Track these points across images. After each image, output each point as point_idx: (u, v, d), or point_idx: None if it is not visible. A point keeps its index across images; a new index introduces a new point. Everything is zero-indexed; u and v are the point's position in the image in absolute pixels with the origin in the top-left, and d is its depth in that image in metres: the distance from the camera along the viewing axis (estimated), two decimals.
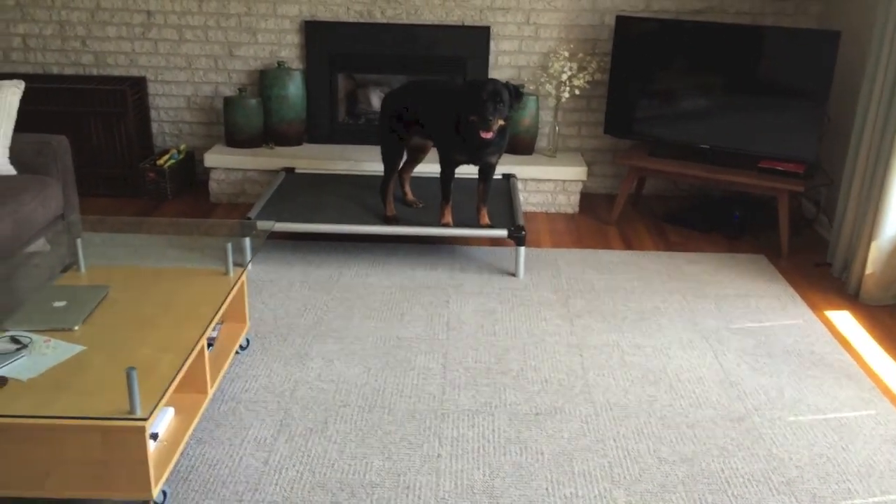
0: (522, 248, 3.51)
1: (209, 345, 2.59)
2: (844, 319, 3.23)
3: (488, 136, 3.23)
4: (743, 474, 2.27)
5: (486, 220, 3.57)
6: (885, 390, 2.72)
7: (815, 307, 3.33)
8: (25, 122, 4.15)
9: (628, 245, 3.97)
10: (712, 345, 2.99)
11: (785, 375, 2.79)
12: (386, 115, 3.60)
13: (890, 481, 2.25)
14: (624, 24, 4.12)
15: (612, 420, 2.51)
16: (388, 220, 3.57)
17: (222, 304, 2.45)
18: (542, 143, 4.61)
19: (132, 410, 1.87)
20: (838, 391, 2.70)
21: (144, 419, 1.86)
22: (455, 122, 3.33)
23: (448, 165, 3.48)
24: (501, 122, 3.27)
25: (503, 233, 3.51)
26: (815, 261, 3.82)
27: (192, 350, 2.17)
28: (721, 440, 2.42)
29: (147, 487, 1.94)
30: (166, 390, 1.96)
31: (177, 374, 2.04)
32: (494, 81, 3.25)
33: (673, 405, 2.60)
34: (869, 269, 3.32)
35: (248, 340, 2.91)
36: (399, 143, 3.59)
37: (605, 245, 3.97)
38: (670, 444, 2.40)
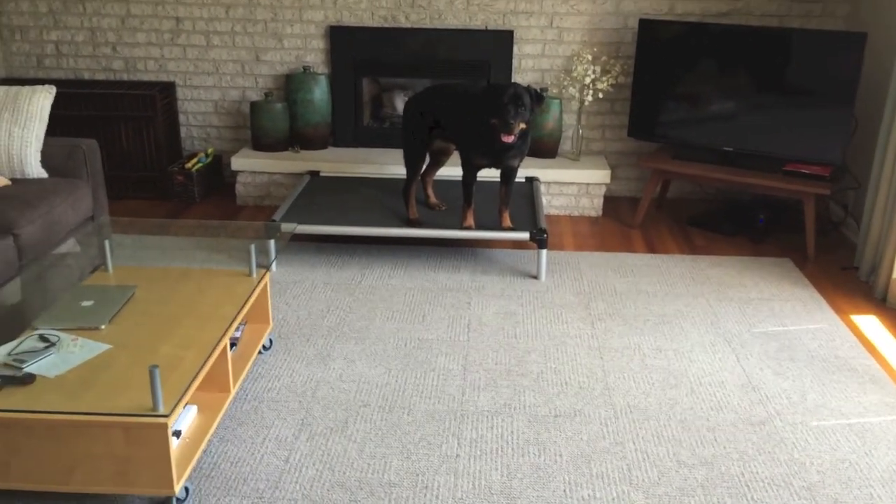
0: (544, 251, 3.51)
1: (232, 345, 2.63)
2: (870, 324, 3.19)
3: (509, 139, 3.24)
4: (763, 478, 2.25)
5: (507, 222, 3.58)
6: None
7: (840, 311, 3.29)
8: (58, 126, 4.26)
9: (652, 248, 3.96)
10: (735, 348, 2.97)
11: (808, 379, 2.76)
12: (409, 118, 3.63)
13: None
14: (647, 27, 4.11)
15: (632, 423, 2.51)
16: (410, 222, 3.60)
17: (244, 304, 2.49)
18: (565, 146, 4.61)
19: (155, 407, 1.91)
20: (862, 396, 2.67)
21: (166, 416, 1.90)
22: (477, 126, 3.35)
23: (470, 169, 3.49)
24: (523, 126, 3.29)
25: (525, 235, 3.52)
26: (841, 264, 3.77)
27: (214, 349, 2.21)
28: (742, 444, 2.40)
29: (169, 483, 1.98)
30: (188, 388, 2.00)
31: (198, 372, 2.08)
32: (516, 85, 3.26)
33: (693, 408, 2.59)
34: None
35: (271, 340, 2.94)
36: (421, 147, 3.62)
37: (629, 248, 3.96)
38: (690, 447, 2.39)
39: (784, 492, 2.20)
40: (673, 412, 2.57)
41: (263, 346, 2.89)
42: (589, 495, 2.17)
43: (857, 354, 2.93)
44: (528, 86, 3.32)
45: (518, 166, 3.53)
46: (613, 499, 2.16)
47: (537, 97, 3.31)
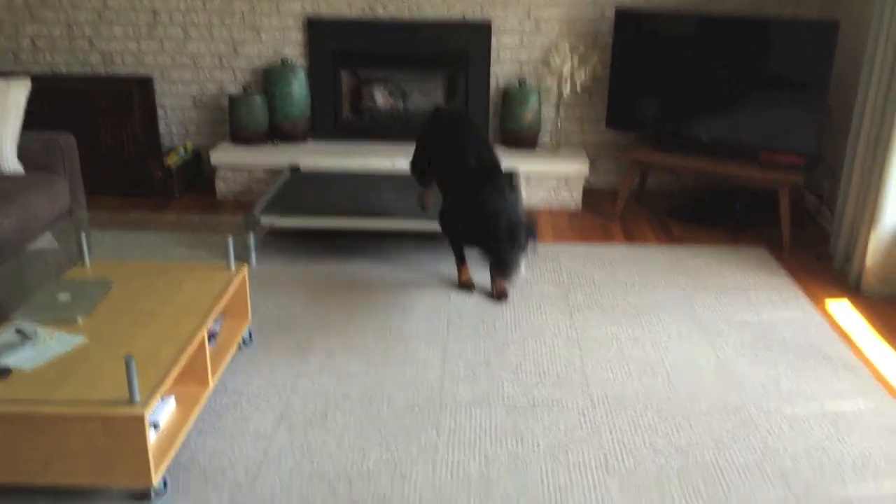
0: None
1: (211, 338, 2.63)
2: (845, 311, 3.23)
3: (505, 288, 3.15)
4: (737, 465, 2.28)
5: (502, 284, 3.30)
6: (884, 382, 2.73)
7: (815, 300, 3.33)
8: (35, 122, 4.22)
9: (630, 240, 3.99)
10: (711, 338, 3.00)
11: (782, 367, 2.80)
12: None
13: (884, 471, 2.26)
14: (624, 18, 4.13)
15: (609, 412, 2.53)
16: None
17: (222, 297, 2.49)
18: (544, 138, 4.63)
19: (131, 398, 1.91)
20: (836, 383, 2.71)
21: (142, 406, 1.90)
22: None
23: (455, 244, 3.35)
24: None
25: None
26: (816, 253, 3.82)
27: (191, 341, 2.21)
28: (717, 432, 2.43)
29: (147, 475, 1.98)
30: (164, 379, 2.00)
31: (174, 363, 2.08)
32: (509, 214, 2.93)
33: (670, 397, 2.62)
34: (869, 261, 3.32)
35: (251, 335, 2.94)
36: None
37: (608, 240, 3.98)
38: (666, 435, 2.42)
39: (758, 478, 2.23)
40: (649, 401, 2.59)
41: (243, 341, 2.88)
42: (566, 483, 2.20)
43: (831, 342, 2.98)
44: (520, 219, 2.97)
45: None
46: (589, 486, 2.18)
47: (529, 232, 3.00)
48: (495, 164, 3.21)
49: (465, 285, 3.38)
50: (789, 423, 2.48)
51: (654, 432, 2.43)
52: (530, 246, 2.98)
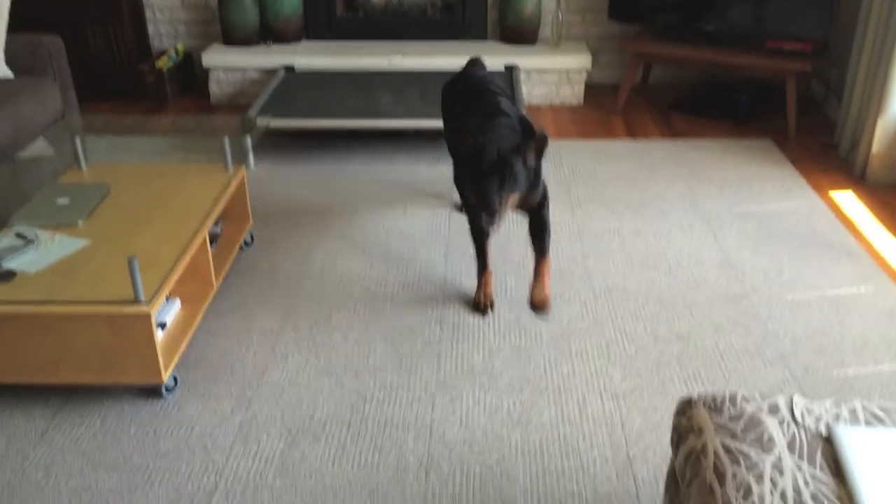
0: None
1: (213, 240, 2.63)
2: (849, 200, 3.21)
3: (494, 220, 2.14)
4: (737, 349, 2.31)
5: (544, 291, 2.40)
6: (885, 266, 2.73)
7: (819, 189, 3.31)
8: (19, 27, 4.09)
9: (633, 134, 3.93)
10: (713, 228, 2.99)
11: (785, 256, 2.80)
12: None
13: (883, 353, 2.29)
14: None
15: (611, 303, 2.55)
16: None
17: (221, 198, 2.48)
18: (545, 31, 4.50)
19: (136, 297, 1.92)
20: (837, 269, 2.72)
21: (148, 304, 1.91)
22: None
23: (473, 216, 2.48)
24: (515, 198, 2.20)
25: None
26: (822, 143, 3.77)
27: (193, 242, 2.21)
28: (717, 319, 2.46)
29: (157, 372, 2.01)
30: (167, 277, 2.01)
31: (177, 263, 2.09)
32: (498, 148, 2.12)
33: (671, 287, 2.63)
34: (875, 148, 3.27)
35: (252, 237, 2.94)
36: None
37: (610, 135, 3.92)
38: (667, 323, 2.44)
39: (757, 361, 2.26)
40: (651, 291, 2.61)
41: (245, 243, 2.89)
42: (568, 371, 2.23)
43: (834, 230, 2.97)
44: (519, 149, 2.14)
45: (540, 204, 2.38)
46: (592, 373, 2.22)
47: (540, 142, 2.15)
48: (501, 110, 2.41)
49: (482, 305, 2.52)
50: (790, 308, 2.50)
51: (655, 321, 2.45)
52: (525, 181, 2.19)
